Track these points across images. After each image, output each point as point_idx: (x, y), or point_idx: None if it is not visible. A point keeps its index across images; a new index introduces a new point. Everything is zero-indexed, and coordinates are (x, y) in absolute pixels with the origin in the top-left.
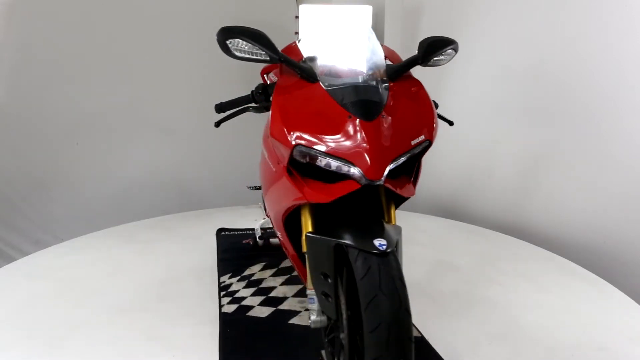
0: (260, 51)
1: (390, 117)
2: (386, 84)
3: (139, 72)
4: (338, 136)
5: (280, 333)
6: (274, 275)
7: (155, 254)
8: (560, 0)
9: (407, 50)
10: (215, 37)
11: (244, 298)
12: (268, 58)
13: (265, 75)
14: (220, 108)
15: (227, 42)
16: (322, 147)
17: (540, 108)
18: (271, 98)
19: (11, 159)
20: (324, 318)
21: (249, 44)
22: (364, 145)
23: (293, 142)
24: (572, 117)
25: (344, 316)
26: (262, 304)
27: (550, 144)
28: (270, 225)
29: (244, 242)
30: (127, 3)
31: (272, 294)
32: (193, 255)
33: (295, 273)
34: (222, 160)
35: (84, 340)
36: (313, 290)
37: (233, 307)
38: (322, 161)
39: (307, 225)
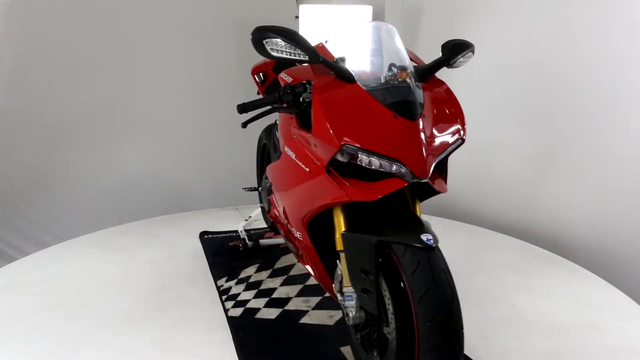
0: (298, 51)
1: (429, 117)
2: (419, 85)
3: (139, 72)
4: (384, 135)
5: (293, 333)
6: (271, 276)
7: (140, 260)
8: (560, 0)
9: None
10: (250, 36)
11: (247, 301)
12: (307, 58)
13: (256, 76)
14: (243, 109)
15: (264, 41)
16: (369, 146)
17: (540, 108)
18: (301, 99)
19: (11, 159)
20: (362, 314)
21: (287, 44)
22: (411, 144)
23: (340, 142)
24: (572, 117)
25: (391, 310)
26: (267, 305)
27: (550, 144)
28: (254, 227)
29: (230, 244)
30: (127, 3)
31: (275, 295)
32: (181, 260)
33: (293, 273)
34: (221, 161)
35: (93, 355)
36: (350, 288)
37: (239, 310)
38: (368, 160)
39: (341, 224)
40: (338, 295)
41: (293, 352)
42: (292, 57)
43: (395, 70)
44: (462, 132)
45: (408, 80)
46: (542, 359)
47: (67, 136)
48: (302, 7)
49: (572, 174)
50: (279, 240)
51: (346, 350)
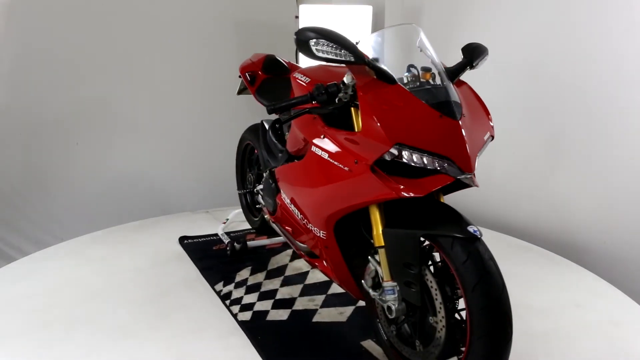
0: (343, 52)
1: (467, 116)
2: (454, 86)
3: (139, 72)
4: (432, 134)
5: (310, 333)
6: (268, 278)
7: (124, 269)
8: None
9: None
10: (295, 36)
11: (252, 304)
12: (352, 59)
13: (247, 74)
14: (273, 110)
15: (311, 42)
16: (420, 144)
17: (540, 108)
18: (337, 99)
19: (11, 159)
20: (404, 306)
21: (333, 45)
22: (458, 141)
23: (393, 141)
24: (572, 117)
25: (439, 300)
26: (275, 307)
27: (550, 143)
28: (233, 229)
29: (214, 248)
30: (127, 3)
31: (279, 297)
32: (167, 266)
33: (288, 273)
34: (221, 161)
35: None
36: (390, 282)
37: (247, 314)
38: (417, 158)
39: (378, 221)
40: (370, 290)
41: (315, 351)
42: (337, 58)
43: (414, 70)
44: (492, 129)
45: (442, 81)
46: None
47: (67, 136)
48: (302, 7)
49: (572, 174)
50: (266, 241)
51: (367, 344)
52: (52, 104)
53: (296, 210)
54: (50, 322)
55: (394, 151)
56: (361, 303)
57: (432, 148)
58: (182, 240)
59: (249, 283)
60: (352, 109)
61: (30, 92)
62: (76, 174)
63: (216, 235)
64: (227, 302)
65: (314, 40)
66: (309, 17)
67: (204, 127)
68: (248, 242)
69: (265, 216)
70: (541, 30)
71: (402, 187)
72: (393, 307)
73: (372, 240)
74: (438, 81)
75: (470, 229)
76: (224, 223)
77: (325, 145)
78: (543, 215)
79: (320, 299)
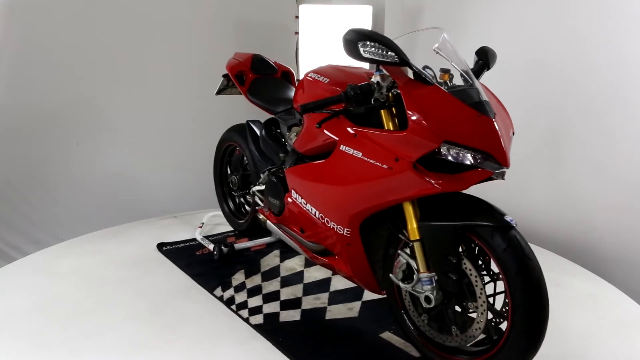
0: (390, 53)
1: (497, 114)
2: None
3: (140, 72)
4: (473, 132)
5: (327, 330)
6: (265, 280)
7: (109, 282)
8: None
9: (408, 51)
10: (344, 37)
11: (260, 307)
12: (397, 61)
13: (236, 74)
14: (306, 109)
15: (359, 43)
16: (464, 142)
17: (539, 107)
18: (372, 100)
19: (11, 159)
20: (441, 294)
21: (381, 47)
22: (497, 138)
23: (441, 139)
24: (572, 117)
25: (480, 286)
26: (283, 308)
27: (550, 143)
28: (211, 233)
29: (197, 253)
30: (127, 3)
31: (283, 298)
32: (155, 275)
33: (284, 274)
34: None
35: None
36: (427, 273)
37: (259, 317)
38: (461, 154)
39: (411, 216)
40: (401, 283)
41: (338, 347)
42: (382, 59)
43: (430, 72)
44: (513, 126)
45: (471, 82)
46: None
47: (67, 136)
48: (302, 7)
49: (572, 173)
50: (250, 243)
51: (386, 336)
52: (52, 103)
53: (313, 209)
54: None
55: (442, 148)
56: (367, 298)
57: (475, 145)
58: (161, 247)
59: (248, 286)
60: (382, 110)
61: (30, 92)
62: (76, 174)
63: (194, 240)
64: (233, 307)
65: (362, 42)
66: (309, 17)
67: (205, 127)
68: (235, 245)
69: (260, 217)
70: (542, 30)
71: (444, 182)
72: (432, 297)
73: (400, 235)
74: (454, 82)
75: (507, 218)
76: (200, 227)
77: (358, 144)
78: (543, 214)
79: (324, 297)
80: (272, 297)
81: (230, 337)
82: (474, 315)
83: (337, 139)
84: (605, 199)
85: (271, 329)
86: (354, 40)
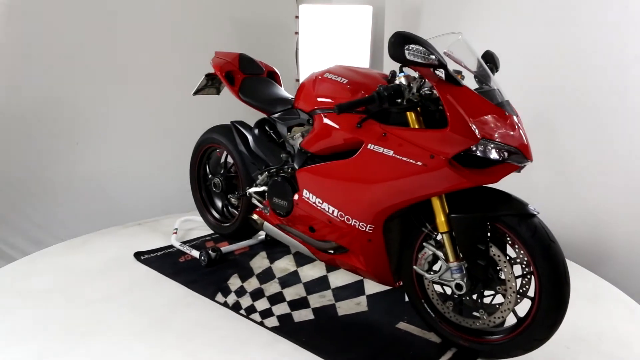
0: (432, 57)
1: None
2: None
3: (140, 72)
4: (504, 129)
5: (345, 326)
6: (262, 282)
7: (96, 300)
8: (560, 0)
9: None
10: (391, 40)
11: (269, 309)
12: (436, 64)
13: (225, 74)
14: (340, 110)
15: (406, 47)
16: (498, 138)
17: (540, 108)
18: (404, 101)
19: (11, 159)
20: (469, 281)
21: (425, 51)
22: (521, 134)
23: (480, 136)
24: (571, 118)
25: (508, 270)
26: (293, 309)
27: (550, 143)
28: (187, 238)
29: (180, 260)
30: (128, 3)
31: (289, 299)
32: (144, 288)
33: (279, 275)
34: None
35: None
36: (456, 262)
37: (273, 320)
38: (496, 151)
39: (439, 210)
40: (426, 273)
41: (361, 341)
42: (424, 62)
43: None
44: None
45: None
46: None
47: (67, 136)
48: (302, 7)
49: (572, 174)
50: (234, 246)
51: (402, 326)
52: (52, 103)
53: (331, 208)
54: None
55: (480, 145)
56: (369, 292)
57: (506, 141)
58: (139, 256)
59: (250, 290)
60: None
61: (30, 92)
62: (76, 174)
63: (172, 247)
64: (242, 311)
65: (409, 45)
66: (309, 17)
67: (205, 127)
68: (222, 248)
69: (256, 218)
70: (542, 30)
71: (477, 177)
72: (463, 283)
73: (422, 228)
74: (465, 83)
75: (530, 207)
76: (175, 233)
77: (389, 143)
78: (542, 214)
79: (329, 294)
80: (277, 298)
81: (252, 342)
82: (497, 299)
83: (364, 138)
84: (606, 199)
85: (290, 330)
86: (401, 44)
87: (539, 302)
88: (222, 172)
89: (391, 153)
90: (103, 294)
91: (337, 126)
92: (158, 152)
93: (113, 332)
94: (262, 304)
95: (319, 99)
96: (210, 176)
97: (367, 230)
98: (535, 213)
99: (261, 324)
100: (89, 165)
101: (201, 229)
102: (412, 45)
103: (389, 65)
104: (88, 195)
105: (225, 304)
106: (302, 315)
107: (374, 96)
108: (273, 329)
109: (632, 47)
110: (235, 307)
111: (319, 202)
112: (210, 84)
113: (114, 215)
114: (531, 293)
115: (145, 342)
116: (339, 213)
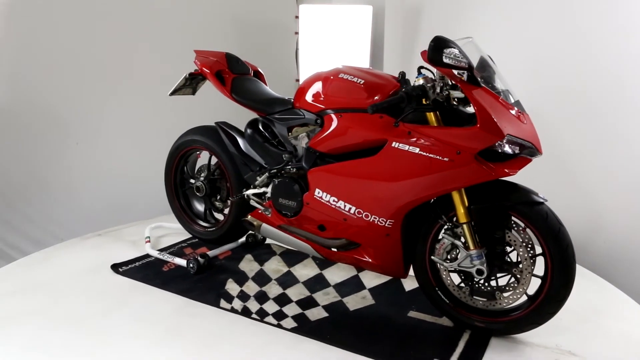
0: (465, 60)
1: None
2: None
3: (140, 72)
4: (520, 126)
5: (360, 320)
6: (260, 285)
7: (89, 316)
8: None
9: (407, 51)
10: (431, 43)
11: (280, 311)
12: (467, 67)
13: (216, 74)
14: (376, 109)
15: (445, 50)
16: (518, 134)
17: (540, 108)
18: (427, 101)
19: (11, 159)
20: (487, 266)
21: (459, 55)
22: (533, 130)
23: (505, 133)
24: (572, 118)
25: (525, 254)
26: (303, 308)
27: (550, 143)
28: (162, 246)
29: (164, 269)
30: (128, 3)
31: (295, 299)
32: (136, 301)
33: (275, 276)
34: None
35: None
36: (476, 250)
37: (289, 321)
38: (514, 146)
39: (459, 202)
40: (444, 262)
41: (382, 332)
42: (457, 65)
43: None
44: None
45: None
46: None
47: (67, 136)
48: (302, 7)
49: (572, 174)
50: (217, 251)
51: (414, 314)
52: (52, 103)
53: (347, 205)
54: None
55: (505, 141)
56: (369, 285)
57: (524, 137)
58: (116, 268)
59: (253, 294)
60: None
61: (30, 92)
62: (76, 174)
63: (148, 256)
64: (254, 316)
65: (447, 49)
66: (309, 17)
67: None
68: (209, 253)
69: (252, 220)
70: (542, 29)
71: (500, 170)
72: (484, 268)
73: (441, 221)
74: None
75: (540, 195)
76: (148, 242)
77: (415, 140)
78: None
79: (331, 291)
80: (283, 300)
81: (277, 345)
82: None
83: (388, 137)
84: (606, 199)
85: (310, 329)
86: (440, 48)
87: (550, 280)
88: (204, 175)
89: (417, 150)
90: (99, 311)
91: (356, 125)
92: (158, 153)
93: (126, 344)
94: (271, 307)
95: (332, 99)
96: (192, 180)
97: (386, 225)
98: (544, 200)
99: (279, 326)
100: (88, 165)
101: (173, 235)
102: (449, 50)
103: (389, 65)
104: (88, 196)
105: (233, 310)
106: (316, 314)
107: (402, 96)
108: (293, 330)
109: (635, 46)
110: (245, 312)
111: (333, 201)
112: (189, 84)
113: (114, 215)
114: (539, 273)
115: (166, 355)
116: (357, 210)
